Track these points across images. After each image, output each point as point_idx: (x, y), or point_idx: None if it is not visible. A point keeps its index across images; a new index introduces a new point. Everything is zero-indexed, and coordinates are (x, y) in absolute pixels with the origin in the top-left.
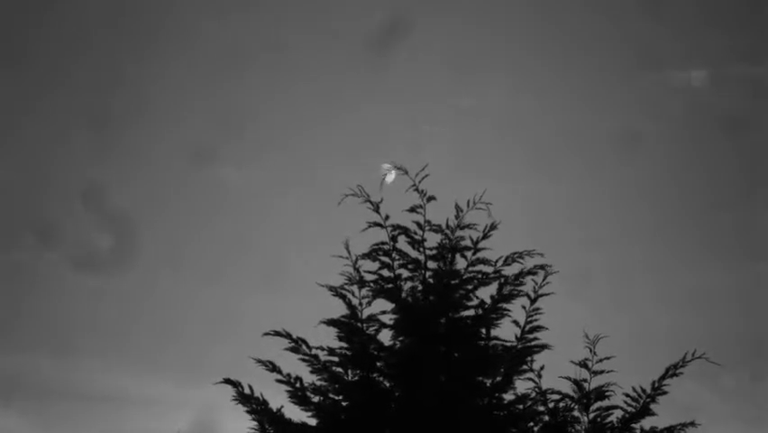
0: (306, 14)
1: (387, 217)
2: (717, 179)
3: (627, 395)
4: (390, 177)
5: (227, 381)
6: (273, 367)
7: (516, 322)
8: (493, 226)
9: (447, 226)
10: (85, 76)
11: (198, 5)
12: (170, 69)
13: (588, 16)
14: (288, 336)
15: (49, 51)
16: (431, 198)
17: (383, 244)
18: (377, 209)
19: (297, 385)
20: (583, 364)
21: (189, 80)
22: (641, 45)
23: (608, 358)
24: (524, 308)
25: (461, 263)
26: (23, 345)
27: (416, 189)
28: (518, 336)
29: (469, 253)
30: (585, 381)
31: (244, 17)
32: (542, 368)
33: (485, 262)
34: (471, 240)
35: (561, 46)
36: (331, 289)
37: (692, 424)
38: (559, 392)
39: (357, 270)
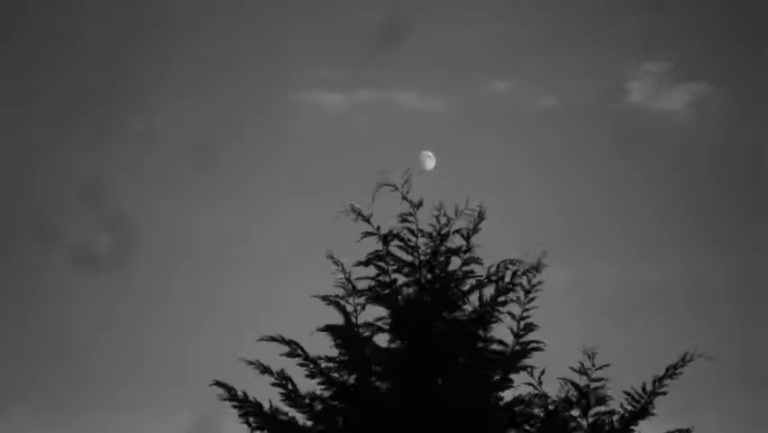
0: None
1: (378, 228)
2: None
3: (627, 393)
4: (430, 164)
5: (218, 383)
6: (264, 369)
7: (512, 314)
8: (481, 217)
9: (438, 233)
10: (85, 75)
11: (198, 5)
12: (170, 68)
13: None
14: (282, 340)
15: (49, 51)
16: (420, 205)
17: (378, 251)
18: (368, 220)
19: (289, 387)
20: (582, 372)
21: (189, 79)
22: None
23: (606, 366)
24: (518, 299)
25: (455, 263)
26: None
27: (405, 199)
28: (514, 330)
29: (463, 249)
30: (587, 386)
31: (241, 18)
32: (543, 373)
33: (477, 261)
34: (463, 236)
35: None
36: (324, 298)
37: (688, 431)
38: (557, 395)
39: (348, 279)
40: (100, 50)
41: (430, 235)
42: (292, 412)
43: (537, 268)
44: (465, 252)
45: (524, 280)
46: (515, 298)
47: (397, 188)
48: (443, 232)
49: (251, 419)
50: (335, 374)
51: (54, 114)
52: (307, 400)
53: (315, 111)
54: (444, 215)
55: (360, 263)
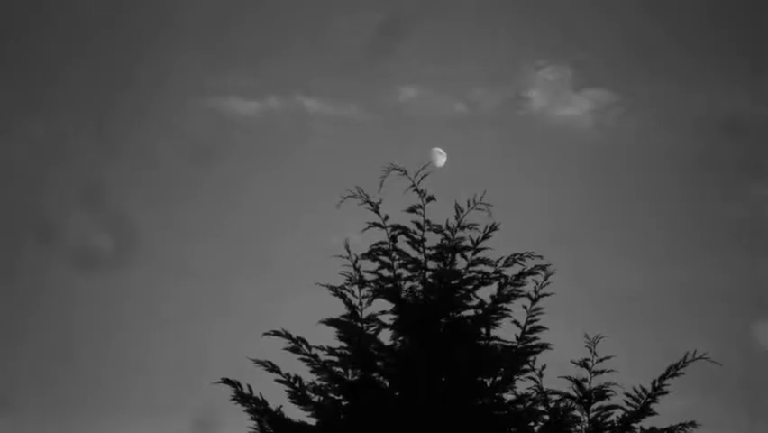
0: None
1: (386, 217)
2: None
3: (628, 394)
4: (441, 161)
5: (226, 381)
6: (272, 367)
7: (516, 322)
8: (494, 227)
9: (447, 227)
10: (86, 76)
11: (199, 5)
12: (171, 69)
13: None
14: (287, 335)
15: (50, 51)
16: (430, 199)
17: (383, 243)
18: (376, 210)
19: (297, 385)
20: (583, 364)
21: (189, 80)
22: None
23: (607, 358)
24: (524, 307)
25: (461, 263)
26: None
27: (416, 189)
28: (519, 336)
29: (469, 253)
30: (585, 380)
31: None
32: (543, 367)
33: (485, 261)
34: (472, 240)
35: None
36: (331, 288)
37: (692, 424)
38: (559, 392)
39: (357, 270)
40: (100, 50)
41: (438, 228)
42: (298, 411)
43: (544, 268)
44: (474, 251)
45: (531, 290)
46: (522, 292)
47: (405, 173)
48: (453, 226)
49: (255, 416)
50: (339, 369)
51: (54, 113)
52: (315, 399)
53: (228, 117)
54: (455, 207)
55: (364, 255)
